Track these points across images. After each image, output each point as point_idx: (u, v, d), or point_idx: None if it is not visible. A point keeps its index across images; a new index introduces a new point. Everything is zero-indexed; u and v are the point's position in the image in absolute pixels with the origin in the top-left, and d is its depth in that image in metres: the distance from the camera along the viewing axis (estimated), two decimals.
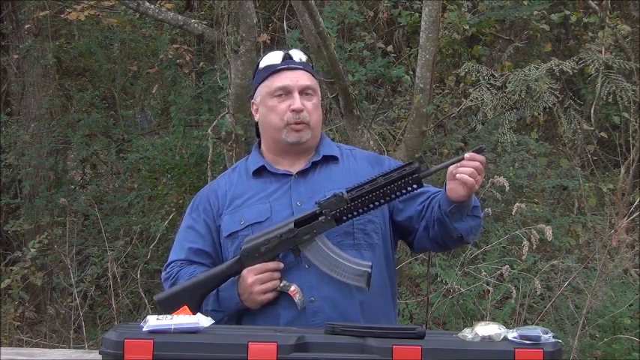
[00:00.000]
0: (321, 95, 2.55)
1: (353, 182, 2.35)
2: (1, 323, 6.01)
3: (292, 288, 2.33)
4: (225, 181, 2.51)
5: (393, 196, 2.31)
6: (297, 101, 2.40)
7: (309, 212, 2.33)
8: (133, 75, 7.55)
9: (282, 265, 2.33)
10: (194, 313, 2.11)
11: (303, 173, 2.44)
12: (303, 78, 2.44)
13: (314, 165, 2.46)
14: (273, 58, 2.47)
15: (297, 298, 2.32)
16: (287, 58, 2.46)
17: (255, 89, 2.51)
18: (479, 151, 2.28)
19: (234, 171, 2.54)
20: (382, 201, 2.31)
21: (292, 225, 2.32)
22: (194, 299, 2.33)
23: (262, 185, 2.45)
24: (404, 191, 2.30)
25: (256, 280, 2.31)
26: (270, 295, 2.32)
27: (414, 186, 2.30)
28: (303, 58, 2.50)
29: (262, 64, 2.49)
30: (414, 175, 2.28)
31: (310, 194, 2.39)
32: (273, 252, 2.33)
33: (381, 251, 2.43)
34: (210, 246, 2.46)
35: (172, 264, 2.49)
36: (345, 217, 2.32)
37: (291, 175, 2.44)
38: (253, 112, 2.53)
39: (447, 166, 2.34)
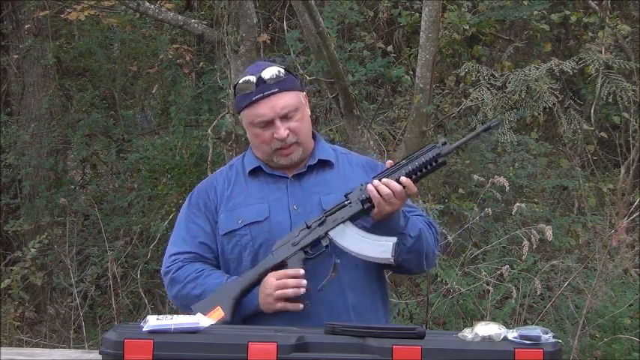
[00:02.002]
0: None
1: (347, 189, 2.38)
2: (1, 323, 6.01)
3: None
4: (222, 178, 2.51)
5: (419, 172, 2.33)
6: (280, 130, 2.39)
7: (339, 204, 2.36)
8: (133, 75, 7.55)
9: (302, 271, 2.32)
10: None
11: (298, 177, 2.46)
12: (280, 102, 2.40)
13: (309, 169, 2.47)
14: (248, 81, 2.42)
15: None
16: (260, 82, 2.40)
17: (238, 112, 2.50)
18: (490, 127, 2.38)
19: (232, 168, 2.54)
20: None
21: (322, 216, 2.35)
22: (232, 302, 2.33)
23: (259, 185, 2.46)
24: (428, 167, 2.34)
25: (276, 285, 2.31)
26: (283, 305, 2.31)
27: (438, 163, 2.34)
28: (280, 71, 2.43)
29: (239, 87, 2.45)
30: (434, 150, 2.33)
31: (306, 198, 2.41)
32: (302, 244, 2.34)
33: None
34: (212, 241, 2.45)
35: (175, 256, 2.46)
36: (370, 202, 2.33)
37: (287, 178, 2.45)
38: (243, 125, 2.54)
39: (465, 142, 2.43)
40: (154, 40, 7.16)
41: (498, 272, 4.75)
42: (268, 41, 6.38)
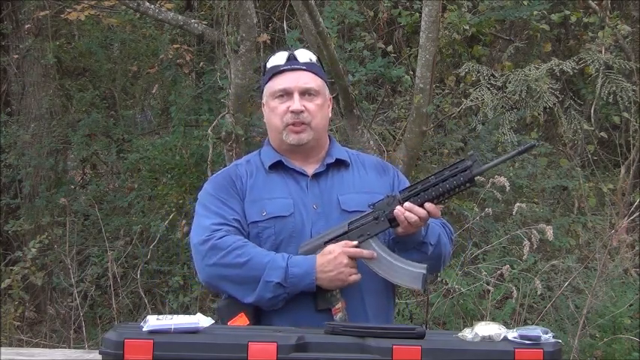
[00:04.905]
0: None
1: (364, 190, 2.42)
2: (1, 323, 6.01)
3: (338, 305, 2.33)
4: (244, 170, 2.49)
5: (447, 194, 2.33)
6: (296, 102, 2.40)
7: (363, 214, 2.35)
8: (133, 75, 7.54)
9: (375, 254, 2.34)
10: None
11: (317, 176, 2.46)
12: (304, 79, 2.43)
13: (327, 168, 2.48)
14: (278, 58, 2.47)
15: (337, 316, 2.32)
16: (291, 58, 2.45)
17: (262, 90, 2.52)
18: (530, 148, 2.36)
19: (250, 163, 2.52)
20: (436, 201, 2.33)
21: (347, 227, 2.34)
22: None
23: (281, 179, 2.46)
24: (457, 189, 2.33)
25: (349, 264, 2.32)
26: (358, 277, 2.33)
27: (467, 184, 2.32)
28: (312, 57, 2.49)
29: (268, 64, 2.49)
30: (466, 172, 2.30)
31: (325, 198, 2.42)
32: None
33: None
34: (245, 224, 2.41)
35: (216, 226, 2.37)
36: (396, 220, 2.34)
37: (307, 176, 2.46)
38: (263, 110, 2.54)
39: (499, 164, 2.42)
40: (154, 40, 7.15)
41: (498, 272, 4.75)
42: (268, 41, 6.39)
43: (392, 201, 2.34)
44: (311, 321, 2.27)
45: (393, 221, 2.34)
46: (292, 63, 2.44)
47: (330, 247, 2.33)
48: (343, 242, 2.33)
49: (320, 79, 2.47)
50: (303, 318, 2.31)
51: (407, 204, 2.32)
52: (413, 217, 2.31)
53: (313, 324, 2.19)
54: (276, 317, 2.34)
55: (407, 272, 2.34)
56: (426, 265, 2.35)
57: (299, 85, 2.42)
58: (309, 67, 2.46)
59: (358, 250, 2.33)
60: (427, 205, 2.32)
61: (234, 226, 2.38)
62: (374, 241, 2.35)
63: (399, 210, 2.31)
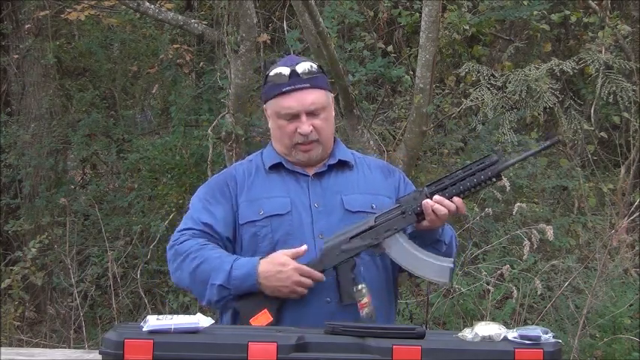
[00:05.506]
0: None
1: (369, 191, 2.44)
2: (1, 323, 6.01)
3: (364, 300, 2.32)
4: (242, 170, 2.52)
5: (473, 189, 2.35)
6: (304, 125, 2.42)
7: (390, 209, 2.37)
8: (133, 75, 7.54)
9: (324, 279, 2.33)
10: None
11: (318, 175, 2.48)
12: (309, 98, 2.43)
13: (329, 168, 2.49)
14: (281, 73, 2.45)
15: (364, 311, 2.31)
16: (294, 75, 2.43)
17: (265, 101, 2.51)
18: (555, 143, 2.44)
19: (251, 163, 2.55)
20: (462, 195, 2.35)
21: (373, 222, 2.35)
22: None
23: (280, 179, 2.47)
24: (483, 184, 2.35)
25: (298, 282, 2.31)
26: (294, 297, 2.32)
27: (493, 178, 2.34)
28: (313, 66, 2.47)
29: (270, 77, 2.47)
30: (492, 167, 2.32)
31: (327, 197, 2.43)
32: (354, 251, 2.34)
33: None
34: (222, 228, 2.43)
35: (183, 231, 2.45)
36: (423, 213, 2.35)
37: (308, 176, 2.47)
38: (266, 116, 2.54)
39: (524, 159, 2.48)
40: (154, 40, 7.15)
41: (498, 272, 4.76)
42: (268, 41, 6.39)
43: (419, 195, 2.35)
44: (336, 316, 2.26)
45: (420, 215, 2.35)
46: (295, 81, 2.43)
47: (284, 259, 2.31)
48: (294, 250, 2.32)
49: (323, 91, 2.48)
50: (327, 313, 2.30)
51: (437, 197, 2.34)
52: (442, 210, 2.33)
53: (338, 319, 2.16)
54: (298, 312, 2.34)
55: (434, 266, 2.35)
56: (452, 259, 2.37)
57: (305, 106, 2.42)
58: (311, 82, 2.45)
59: (309, 269, 2.32)
60: (455, 199, 2.34)
61: (199, 230, 2.43)
62: (401, 236, 2.36)
63: (427, 202, 2.33)
